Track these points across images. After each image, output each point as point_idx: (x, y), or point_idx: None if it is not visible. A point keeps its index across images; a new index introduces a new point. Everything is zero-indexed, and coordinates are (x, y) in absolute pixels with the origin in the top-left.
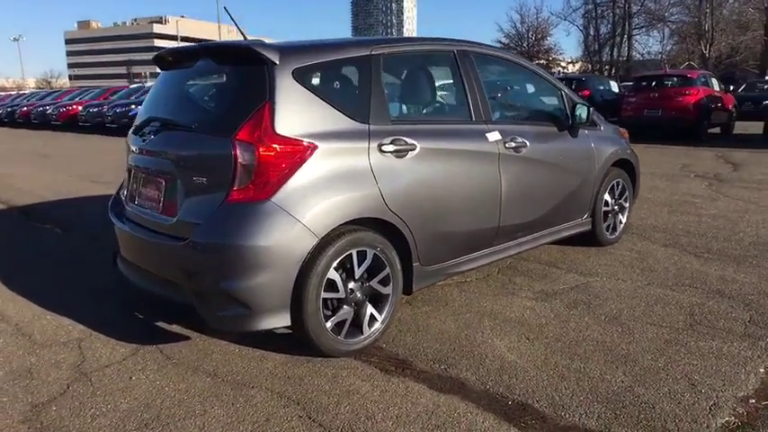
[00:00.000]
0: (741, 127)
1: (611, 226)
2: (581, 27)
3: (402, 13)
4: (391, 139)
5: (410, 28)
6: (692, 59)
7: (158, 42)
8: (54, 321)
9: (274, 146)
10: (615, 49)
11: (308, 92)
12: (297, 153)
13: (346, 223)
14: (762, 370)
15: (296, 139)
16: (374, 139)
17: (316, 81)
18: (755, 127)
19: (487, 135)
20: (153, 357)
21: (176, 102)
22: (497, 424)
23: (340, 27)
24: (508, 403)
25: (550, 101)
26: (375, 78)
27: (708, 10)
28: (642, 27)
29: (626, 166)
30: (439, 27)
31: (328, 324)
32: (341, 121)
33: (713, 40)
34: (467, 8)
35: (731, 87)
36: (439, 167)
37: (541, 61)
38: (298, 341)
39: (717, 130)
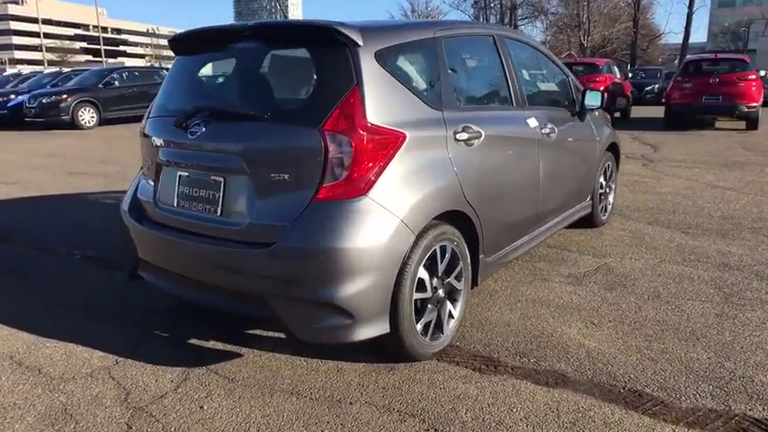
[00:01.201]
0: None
1: (604, 207)
2: (471, 17)
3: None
4: (462, 126)
5: (296, 14)
6: (571, 49)
7: (15, 25)
8: (60, 349)
9: (369, 136)
10: None
11: (390, 76)
12: (390, 143)
13: (434, 218)
14: None
15: (388, 128)
16: (449, 127)
17: (394, 64)
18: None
19: (528, 121)
20: (212, 381)
21: (229, 89)
22: (627, 415)
23: (223, 12)
24: (620, 391)
25: (563, 86)
26: (442, 62)
27: (585, 2)
28: (526, 18)
29: (612, 149)
30: (327, 13)
31: (418, 326)
32: (420, 108)
33: (590, 31)
34: None
35: (629, 75)
36: (499, 155)
37: None
38: (351, 347)
39: (617, 114)
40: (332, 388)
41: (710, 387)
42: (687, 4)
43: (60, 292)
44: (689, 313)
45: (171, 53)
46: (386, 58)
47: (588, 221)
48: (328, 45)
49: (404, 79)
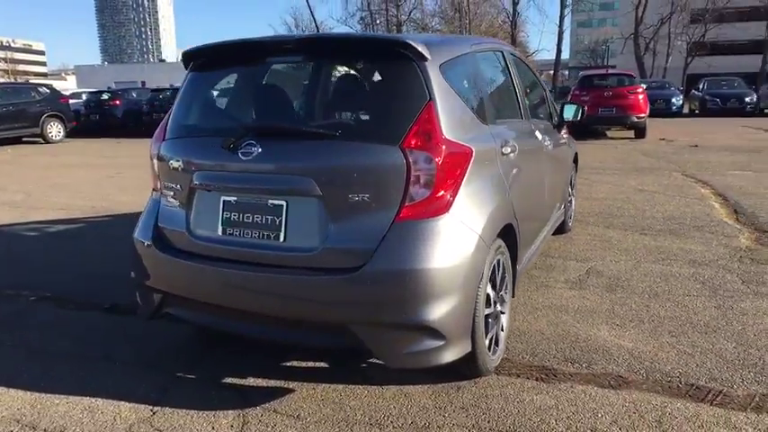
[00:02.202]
0: None
1: (570, 215)
2: (360, 32)
3: (157, 12)
4: (504, 140)
5: (167, 27)
6: None
7: None
8: (76, 405)
9: (448, 152)
10: None
11: (452, 90)
12: (463, 159)
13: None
14: None
15: (460, 143)
16: (497, 141)
17: (453, 78)
18: None
19: (536, 133)
20: (277, 421)
21: (281, 106)
22: (699, 408)
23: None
24: (679, 386)
25: (543, 99)
26: (480, 76)
27: (466, 20)
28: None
29: (575, 160)
30: (201, 28)
31: (486, 342)
32: (475, 122)
33: None
34: (235, 8)
35: None
36: (527, 167)
37: None
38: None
39: None
40: (410, 414)
41: (752, 374)
42: (557, 23)
43: (36, 340)
44: (692, 308)
45: (28, 68)
46: (447, 72)
47: (560, 228)
48: (396, 59)
49: (461, 93)
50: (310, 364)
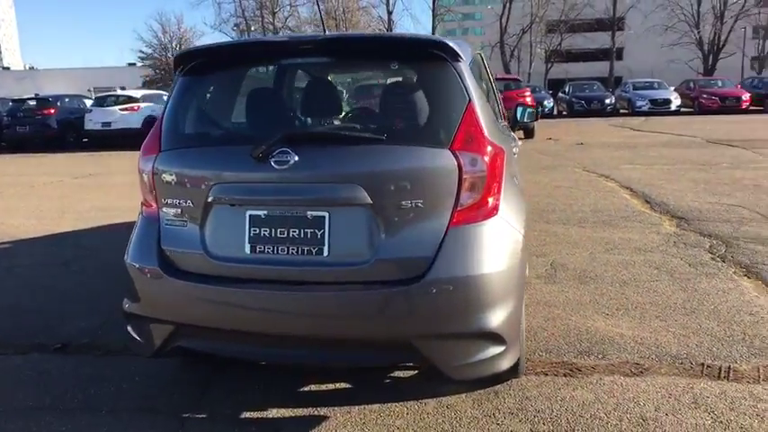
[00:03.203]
0: None
1: None
2: (235, 39)
3: None
4: (513, 137)
5: (8, 32)
6: None
7: None
8: None
9: (493, 152)
10: None
11: (480, 90)
12: (502, 160)
13: None
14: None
15: (497, 144)
16: (508, 141)
17: (477, 79)
18: None
19: (512, 133)
20: None
21: (312, 109)
22: (720, 384)
23: None
24: (692, 367)
25: (499, 101)
26: (483, 78)
27: (344, 28)
28: None
29: None
30: (50, 32)
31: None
32: (497, 123)
33: None
34: (90, 10)
35: None
36: (516, 166)
37: None
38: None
39: None
40: (463, 426)
41: (745, 348)
42: (430, 31)
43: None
44: (662, 292)
45: None
46: (473, 73)
47: None
48: (431, 59)
49: (482, 94)
50: (330, 386)
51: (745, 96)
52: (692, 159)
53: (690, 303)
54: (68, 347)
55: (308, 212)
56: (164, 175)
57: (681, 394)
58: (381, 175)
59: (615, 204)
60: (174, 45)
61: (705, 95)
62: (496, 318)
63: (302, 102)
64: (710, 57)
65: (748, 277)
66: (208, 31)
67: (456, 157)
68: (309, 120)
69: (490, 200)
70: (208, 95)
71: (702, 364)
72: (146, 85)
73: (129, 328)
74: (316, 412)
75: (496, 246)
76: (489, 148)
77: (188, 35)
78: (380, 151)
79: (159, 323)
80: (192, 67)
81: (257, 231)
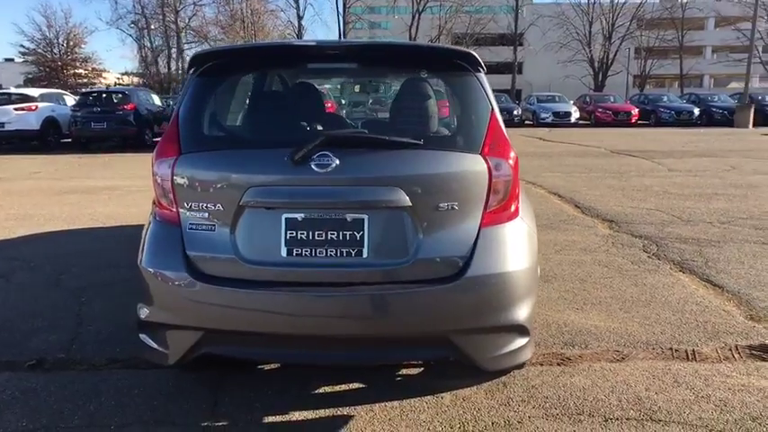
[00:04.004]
0: None
1: None
2: (134, 37)
3: None
4: None
5: None
6: None
7: None
8: None
9: (515, 157)
10: (173, 62)
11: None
12: (517, 164)
13: None
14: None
15: (513, 149)
16: None
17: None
18: None
19: None
20: None
21: (344, 114)
22: (694, 366)
23: None
24: (663, 351)
25: None
26: None
27: (241, 30)
28: (192, 42)
29: None
30: None
31: None
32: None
33: None
34: None
35: None
36: None
37: (80, 71)
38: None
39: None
40: (483, 414)
41: (701, 333)
42: (338, 35)
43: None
44: (617, 288)
45: None
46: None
47: None
48: (456, 69)
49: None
50: (343, 387)
51: (635, 111)
52: (604, 168)
53: (644, 296)
54: (44, 364)
55: (348, 215)
56: (185, 178)
57: (662, 375)
58: (421, 178)
59: (551, 209)
60: (60, 41)
61: (600, 109)
62: (523, 311)
63: (337, 107)
64: (600, 74)
65: (683, 272)
66: (102, 27)
67: (486, 161)
68: (343, 124)
69: (513, 202)
70: (230, 97)
71: (671, 349)
72: (27, 83)
73: (144, 337)
74: (339, 412)
75: (521, 244)
76: (512, 153)
77: (77, 31)
78: (419, 156)
79: (186, 330)
80: (212, 68)
81: (294, 234)
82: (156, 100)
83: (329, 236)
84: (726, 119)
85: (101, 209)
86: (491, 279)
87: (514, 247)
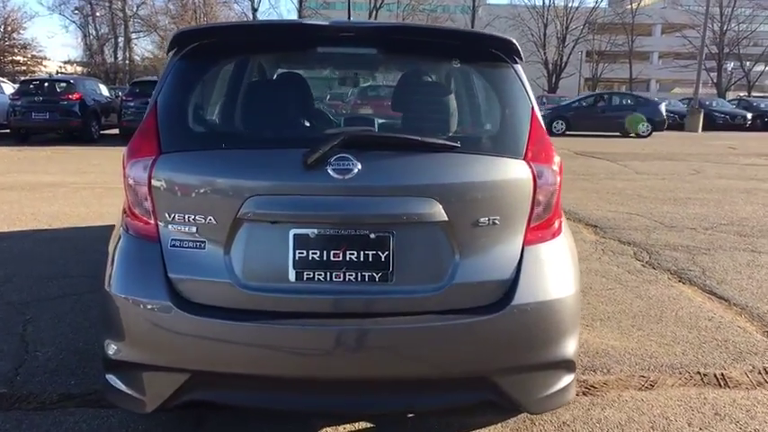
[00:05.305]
0: None
1: None
2: (79, 24)
3: None
4: None
5: None
6: None
7: None
8: None
9: (560, 165)
10: (120, 52)
11: None
12: (562, 171)
13: None
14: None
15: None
16: None
17: None
18: None
19: None
20: None
21: (364, 108)
22: (731, 394)
23: None
24: (692, 375)
25: None
26: None
27: (204, 22)
28: (140, 32)
29: None
30: None
31: None
32: None
33: None
34: None
35: None
36: None
37: (18, 58)
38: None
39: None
40: None
41: (724, 353)
42: None
43: None
44: (621, 301)
45: None
46: None
47: None
48: (495, 60)
49: None
50: (348, 427)
51: None
52: (573, 170)
53: (653, 311)
54: None
55: (371, 231)
56: (167, 183)
57: (700, 406)
58: (459, 187)
59: None
60: None
61: None
62: (573, 344)
63: (351, 99)
64: (554, 76)
65: (683, 283)
66: (43, 13)
67: (531, 168)
68: (362, 120)
69: (557, 216)
70: (222, 86)
71: (699, 373)
72: None
73: (112, 379)
74: None
75: (568, 265)
76: (557, 159)
77: (16, 15)
78: (456, 161)
79: (167, 372)
80: (199, 50)
81: (304, 254)
82: (104, 90)
83: (348, 256)
84: (677, 123)
85: (45, 208)
86: (540, 307)
87: (562, 269)
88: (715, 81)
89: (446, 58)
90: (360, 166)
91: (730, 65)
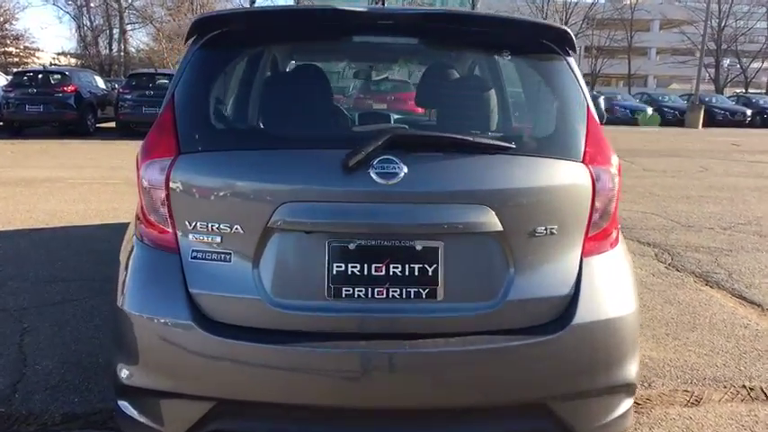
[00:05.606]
0: None
1: None
2: (72, 15)
3: None
4: None
5: None
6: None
7: None
8: None
9: (619, 168)
10: (114, 44)
11: None
12: (620, 173)
13: None
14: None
15: None
16: None
17: None
18: None
19: None
20: None
21: (408, 105)
22: None
23: None
24: (739, 390)
25: None
26: None
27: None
28: (135, 23)
29: None
30: None
31: None
32: None
33: None
34: None
35: None
36: None
37: (10, 50)
38: None
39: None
40: None
41: (765, 365)
42: None
43: None
44: (652, 307)
45: None
46: None
47: None
48: (548, 51)
49: None
50: None
51: None
52: None
53: (685, 317)
54: None
55: (417, 242)
56: (187, 187)
57: (752, 425)
58: (515, 193)
59: None
60: None
61: None
62: (635, 366)
63: (389, 93)
64: None
65: (711, 287)
66: (36, 3)
67: (590, 171)
68: (401, 118)
69: (615, 225)
70: (249, 78)
71: (744, 387)
72: None
73: (124, 406)
74: None
75: (627, 279)
76: (615, 160)
77: (8, 6)
78: (511, 163)
79: (188, 400)
80: (221, 38)
81: (342, 268)
82: (100, 82)
83: (391, 270)
84: (677, 119)
85: (41, 205)
86: (603, 326)
87: (622, 283)
88: (712, 77)
89: (494, 50)
90: (406, 170)
91: (726, 61)
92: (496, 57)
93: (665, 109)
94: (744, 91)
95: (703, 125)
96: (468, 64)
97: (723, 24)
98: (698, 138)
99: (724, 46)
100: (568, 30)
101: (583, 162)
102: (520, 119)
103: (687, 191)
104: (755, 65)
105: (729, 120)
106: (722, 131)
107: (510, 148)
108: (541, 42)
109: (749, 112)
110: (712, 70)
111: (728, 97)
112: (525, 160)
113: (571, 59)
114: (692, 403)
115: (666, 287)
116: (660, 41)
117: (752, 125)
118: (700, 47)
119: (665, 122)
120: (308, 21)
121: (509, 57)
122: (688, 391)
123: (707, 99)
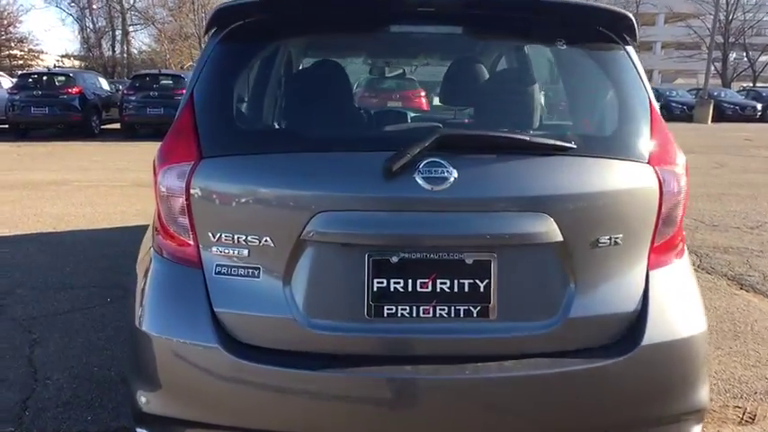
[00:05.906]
0: None
1: None
2: (75, 17)
3: None
4: None
5: None
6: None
7: None
8: None
9: (686, 169)
10: (117, 45)
11: None
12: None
13: None
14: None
15: None
16: None
17: None
18: None
19: None
20: None
21: (456, 102)
22: None
23: None
24: None
25: None
26: None
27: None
28: (138, 24)
29: None
30: None
31: None
32: None
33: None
34: None
35: None
36: None
37: (15, 52)
38: None
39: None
40: None
41: None
42: None
43: None
44: None
45: None
46: None
47: None
48: (606, 41)
49: None
50: None
51: None
52: None
53: (725, 325)
54: None
55: (467, 255)
56: (209, 195)
57: None
58: (577, 199)
59: None
60: None
61: None
62: (706, 390)
63: (447, 92)
64: None
65: (746, 291)
66: (39, 5)
67: (656, 173)
68: (467, 118)
69: (681, 233)
70: (277, 74)
71: None
72: None
73: None
74: None
75: (696, 294)
76: (681, 159)
77: (12, 9)
78: (572, 166)
79: (213, 431)
80: (244, 29)
81: (384, 284)
82: (104, 84)
83: (438, 287)
84: (685, 114)
85: (48, 208)
86: (675, 347)
87: (692, 299)
88: (719, 71)
89: (548, 38)
90: (455, 174)
91: (733, 55)
92: (551, 46)
93: (673, 104)
94: (752, 85)
95: (712, 120)
96: (520, 55)
97: (731, 17)
98: (709, 133)
99: (731, 39)
100: (630, 15)
101: (649, 163)
102: (578, 116)
103: (707, 188)
104: (763, 58)
105: (739, 114)
106: (733, 126)
107: (571, 148)
108: (599, 30)
109: (759, 106)
110: (719, 64)
111: (737, 91)
112: (587, 162)
113: (630, 48)
114: (747, 421)
115: (701, 291)
116: (665, 35)
117: (762, 119)
118: (706, 41)
119: (673, 118)
120: (339, 9)
121: (564, 45)
122: (740, 407)
123: (716, 93)
